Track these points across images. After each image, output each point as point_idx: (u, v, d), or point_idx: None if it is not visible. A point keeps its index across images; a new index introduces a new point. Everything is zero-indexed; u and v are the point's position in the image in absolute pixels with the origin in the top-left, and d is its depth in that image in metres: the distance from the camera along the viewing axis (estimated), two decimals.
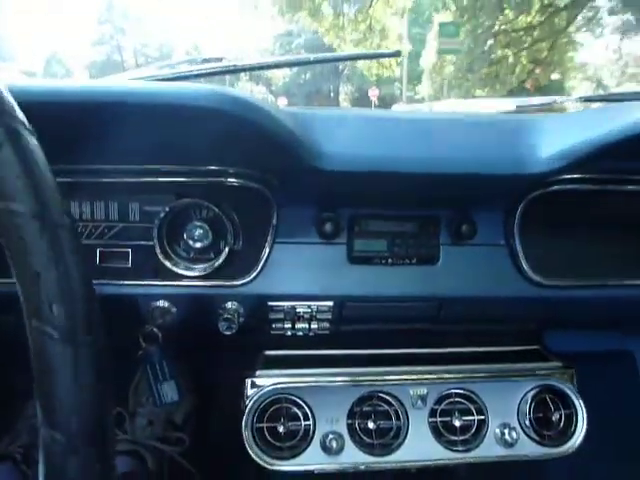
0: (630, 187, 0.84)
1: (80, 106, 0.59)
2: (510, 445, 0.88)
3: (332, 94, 31.31)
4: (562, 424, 0.91)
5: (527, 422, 0.90)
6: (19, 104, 0.41)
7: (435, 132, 0.74)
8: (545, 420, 0.91)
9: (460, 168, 0.71)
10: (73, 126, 0.63)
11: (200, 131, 0.64)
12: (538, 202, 0.84)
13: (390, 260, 0.85)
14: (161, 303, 0.83)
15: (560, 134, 0.76)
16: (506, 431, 0.88)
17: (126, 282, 0.81)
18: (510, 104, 1.13)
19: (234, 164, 0.76)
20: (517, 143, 0.77)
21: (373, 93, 17.25)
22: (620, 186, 0.84)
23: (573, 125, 0.77)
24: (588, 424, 0.90)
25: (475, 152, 0.73)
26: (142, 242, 0.81)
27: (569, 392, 0.91)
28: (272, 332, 0.90)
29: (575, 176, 0.81)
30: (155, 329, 0.82)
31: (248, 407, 0.85)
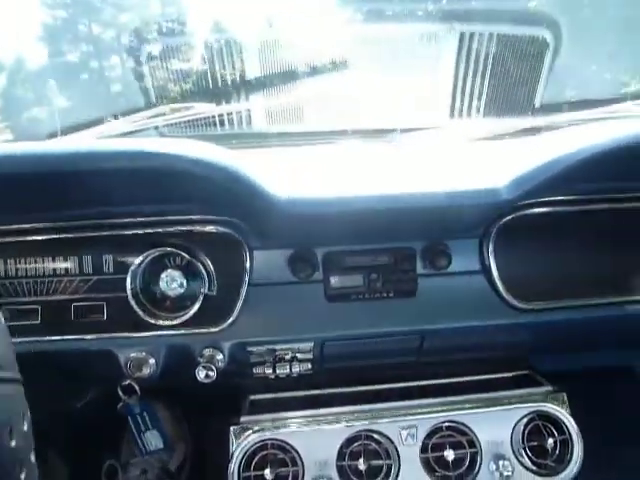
0: (600, 206, 0.84)
1: (51, 172, 0.61)
2: (506, 477, 0.85)
3: None
4: (558, 451, 0.88)
5: (522, 452, 0.88)
6: None
7: (396, 168, 0.75)
8: (540, 448, 0.89)
9: (424, 202, 0.72)
10: (37, 189, 0.64)
11: (162, 186, 0.65)
12: (511, 227, 0.84)
13: (367, 295, 0.84)
14: (138, 355, 0.82)
15: (524, 160, 0.77)
16: (500, 463, 0.86)
17: (102, 335, 0.80)
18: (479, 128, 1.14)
19: (201, 212, 0.77)
20: (482, 171, 0.78)
21: None
22: (590, 206, 0.84)
23: (535, 150, 0.78)
24: (585, 447, 0.87)
25: (438, 184, 0.74)
26: (116, 294, 0.81)
27: (562, 417, 0.89)
28: (254, 376, 0.89)
29: (544, 199, 0.82)
30: (132, 382, 0.81)
31: (234, 456, 0.83)
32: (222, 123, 0.99)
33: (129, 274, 0.80)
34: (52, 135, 0.97)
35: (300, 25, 1.04)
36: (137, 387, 0.81)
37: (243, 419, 0.86)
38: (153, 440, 0.91)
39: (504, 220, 0.83)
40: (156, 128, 0.97)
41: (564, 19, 1.01)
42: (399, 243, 0.85)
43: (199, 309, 0.80)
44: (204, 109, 0.96)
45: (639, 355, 1.10)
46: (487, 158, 0.83)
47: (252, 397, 0.94)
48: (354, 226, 0.78)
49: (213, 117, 0.99)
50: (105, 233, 0.80)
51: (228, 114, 1.00)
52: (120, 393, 0.83)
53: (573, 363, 1.05)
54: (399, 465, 0.85)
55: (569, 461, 0.87)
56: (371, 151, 0.97)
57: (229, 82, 1.00)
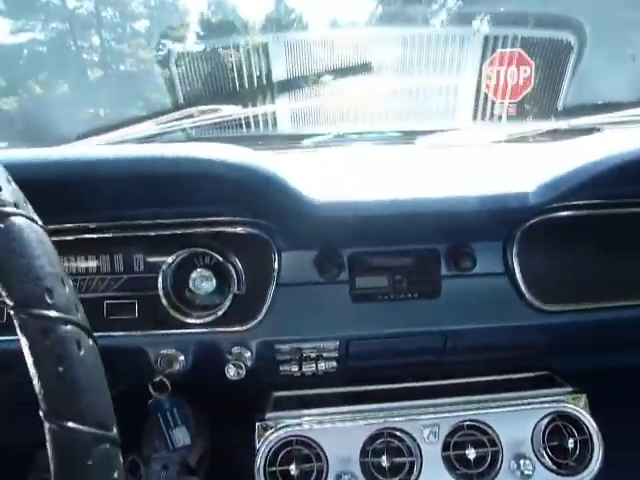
0: (624, 210, 0.85)
1: (86, 177, 0.62)
2: (527, 477, 0.87)
3: None
4: (578, 451, 0.89)
5: (542, 451, 0.89)
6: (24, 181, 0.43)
7: (422, 170, 0.76)
8: (561, 448, 0.90)
9: (451, 206, 0.73)
10: (76, 192, 0.66)
11: (194, 189, 0.67)
12: (535, 229, 0.85)
13: (392, 296, 0.86)
14: (169, 352, 0.84)
15: (551, 164, 0.78)
16: (521, 462, 0.87)
17: (133, 333, 0.82)
18: (503, 130, 1.15)
19: (231, 214, 0.78)
20: (508, 175, 0.79)
21: None
22: (614, 210, 0.85)
23: (563, 155, 0.79)
24: (606, 448, 0.88)
25: (466, 188, 0.75)
26: (147, 292, 0.83)
27: (582, 418, 0.90)
28: (280, 373, 0.91)
29: (569, 203, 0.83)
30: (164, 378, 0.83)
31: (260, 451, 0.85)
32: (248, 125, 1.01)
33: (160, 273, 0.82)
34: (79, 137, 0.99)
35: (325, 27, 1.05)
36: (168, 383, 0.84)
37: (268, 415, 0.88)
38: (181, 436, 0.93)
39: (529, 223, 0.84)
40: (183, 130, 0.99)
41: (588, 22, 1.02)
42: (424, 245, 0.86)
43: (228, 308, 0.82)
44: (230, 111, 0.97)
45: None
46: (512, 161, 0.84)
47: (276, 394, 0.95)
48: (382, 228, 0.79)
49: (239, 119, 1.01)
50: (137, 234, 0.82)
51: (254, 116, 1.01)
52: (151, 389, 0.85)
53: (594, 364, 1.05)
54: (421, 462, 0.87)
55: (589, 461, 0.88)
56: (395, 153, 0.98)
57: (255, 84, 1.02)
